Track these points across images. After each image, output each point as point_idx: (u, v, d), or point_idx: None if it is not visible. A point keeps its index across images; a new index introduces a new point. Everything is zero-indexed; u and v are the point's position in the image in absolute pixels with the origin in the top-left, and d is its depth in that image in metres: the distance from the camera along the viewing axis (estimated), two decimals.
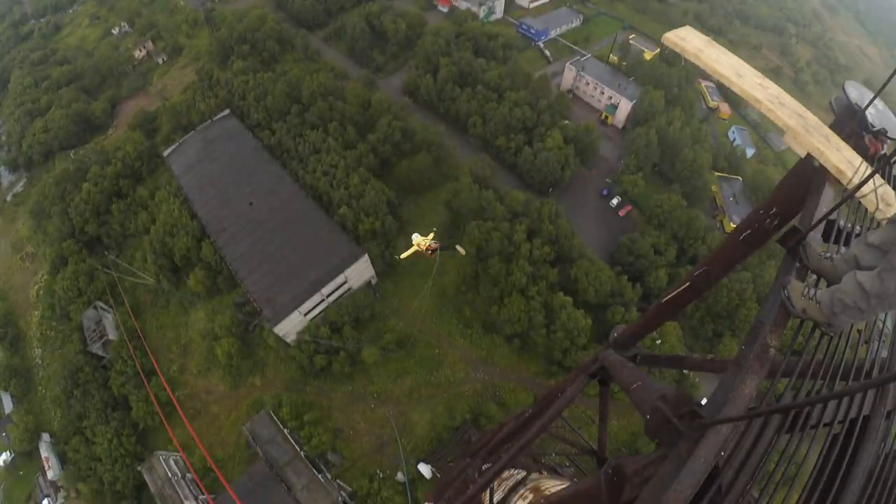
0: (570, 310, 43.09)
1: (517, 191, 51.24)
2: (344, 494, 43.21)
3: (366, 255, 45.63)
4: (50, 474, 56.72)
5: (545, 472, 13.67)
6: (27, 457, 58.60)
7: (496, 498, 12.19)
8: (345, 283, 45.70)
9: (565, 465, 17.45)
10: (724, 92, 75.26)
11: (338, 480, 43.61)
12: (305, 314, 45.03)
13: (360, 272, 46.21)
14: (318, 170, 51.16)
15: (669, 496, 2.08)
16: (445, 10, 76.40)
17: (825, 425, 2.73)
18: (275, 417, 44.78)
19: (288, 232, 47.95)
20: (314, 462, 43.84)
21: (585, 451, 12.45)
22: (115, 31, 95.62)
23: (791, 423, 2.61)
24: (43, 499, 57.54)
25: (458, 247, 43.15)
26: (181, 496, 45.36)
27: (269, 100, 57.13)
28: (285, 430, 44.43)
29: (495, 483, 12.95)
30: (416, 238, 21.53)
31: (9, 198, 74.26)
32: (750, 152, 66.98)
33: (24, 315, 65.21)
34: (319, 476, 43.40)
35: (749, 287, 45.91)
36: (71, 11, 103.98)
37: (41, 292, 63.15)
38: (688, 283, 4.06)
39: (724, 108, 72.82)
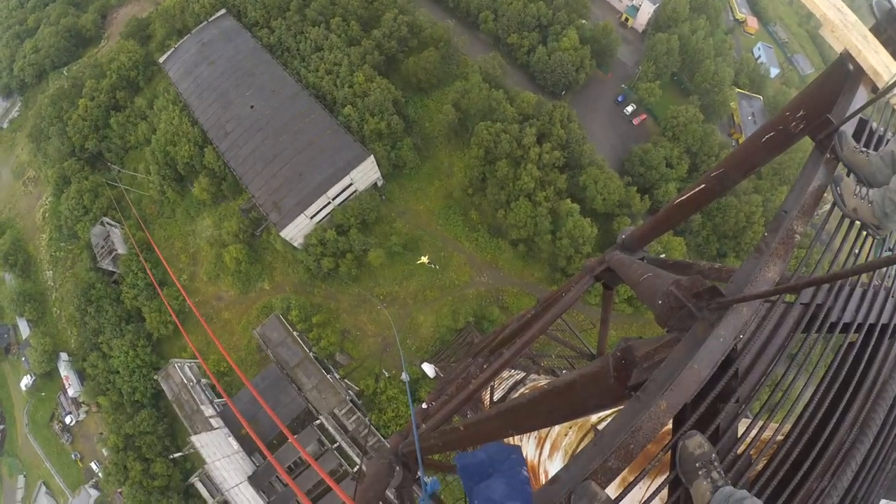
0: (577, 217, 43.14)
1: (528, 92, 49.82)
2: (351, 394, 45.05)
3: (371, 157, 45.26)
4: (70, 392, 59.81)
5: (543, 374, 14.18)
6: (48, 378, 61.73)
7: (496, 396, 12.76)
8: (351, 185, 45.67)
9: (562, 368, 17.98)
10: (753, 5, 71.59)
11: (345, 380, 45.41)
12: (312, 217, 45.40)
13: (365, 174, 46.02)
14: (321, 68, 49.83)
15: (685, 374, 1.96)
16: None
17: (845, 326, 2.59)
18: (284, 321, 46.13)
19: (292, 134, 47.48)
20: (323, 363, 45.53)
21: (584, 354, 12.69)
22: None
23: (810, 320, 2.49)
24: (66, 416, 61.10)
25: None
26: (197, 401, 47.73)
27: None
28: (295, 333, 45.85)
29: (495, 382, 13.45)
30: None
31: (5, 124, 74.41)
32: (774, 72, 64.12)
33: (32, 240, 66.91)
34: (328, 376, 45.22)
35: (758, 210, 45.72)
36: None
37: (47, 215, 64.44)
38: (703, 185, 3.87)
39: (752, 23, 68.93)
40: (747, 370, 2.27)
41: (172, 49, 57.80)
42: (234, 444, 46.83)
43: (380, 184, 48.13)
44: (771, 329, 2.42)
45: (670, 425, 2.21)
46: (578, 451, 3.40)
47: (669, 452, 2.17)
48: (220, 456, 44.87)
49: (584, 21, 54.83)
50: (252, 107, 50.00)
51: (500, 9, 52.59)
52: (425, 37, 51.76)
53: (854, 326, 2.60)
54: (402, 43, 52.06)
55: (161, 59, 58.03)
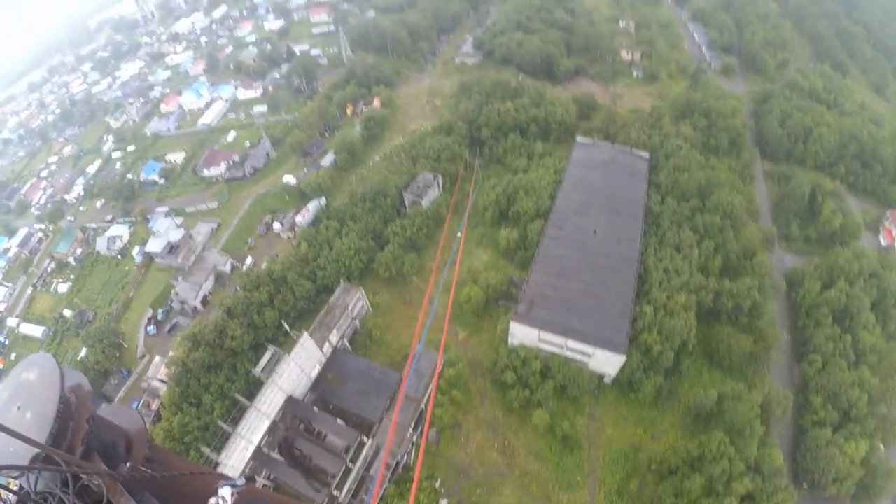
0: None
1: (778, 452, 45.78)
2: (405, 459, 47.14)
3: (623, 359, 46.40)
4: (298, 218, 73.55)
5: None
6: (299, 196, 77.47)
7: None
8: (589, 356, 47.72)
9: None
10: None
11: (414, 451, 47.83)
12: (539, 339, 49.05)
13: (607, 361, 47.41)
14: (664, 262, 53.65)
15: None
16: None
17: None
18: (438, 366, 50.25)
19: (596, 276, 51.83)
20: (421, 420, 48.62)
21: None
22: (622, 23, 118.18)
23: None
24: (278, 222, 74.68)
25: None
26: (338, 321, 55.09)
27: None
28: (433, 383, 49.79)
29: None
30: None
31: None
32: None
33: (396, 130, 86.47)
34: (413, 435, 48.07)
35: None
36: None
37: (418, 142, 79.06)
38: None
39: None
40: None
41: (593, 142, 68.73)
42: (314, 373, 53.41)
43: (606, 380, 49.04)
44: None
45: None
46: None
47: None
48: (301, 361, 51.34)
49: (881, 447, 48.21)
50: (595, 232, 56.13)
51: (830, 367, 49.75)
52: (758, 325, 51.81)
53: None
54: (737, 310, 52.57)
55: (579, 139, 69.61)
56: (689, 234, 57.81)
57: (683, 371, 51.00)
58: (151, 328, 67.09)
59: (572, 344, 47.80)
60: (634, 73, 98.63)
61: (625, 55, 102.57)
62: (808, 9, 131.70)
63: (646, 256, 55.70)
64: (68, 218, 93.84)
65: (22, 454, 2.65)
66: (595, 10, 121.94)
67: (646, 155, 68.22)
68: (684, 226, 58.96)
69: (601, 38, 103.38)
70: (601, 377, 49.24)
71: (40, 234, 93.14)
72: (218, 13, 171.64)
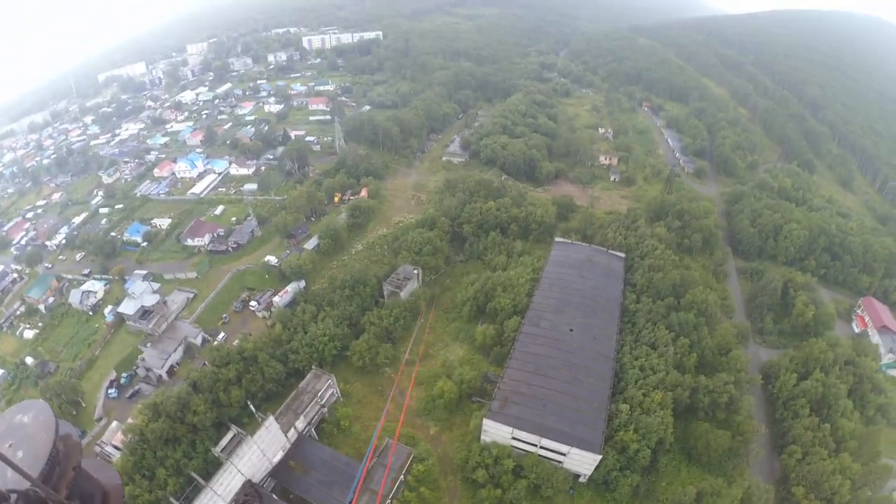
0: None
1: None
2: None
3: (599, 458, 46.54)
4: (276, 299, 74.87)
5: None
6: (280, 276, 79.08)
7: None
8: (564, 455, 47.69)
9: None
10: None
11: None
12: (512, 437, 48.92)
13: (582, 461, 47.43)
14: (641, 359, 55.36)
15: None
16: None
17: None
18: (409, 460, 49.34)
19: (571, 374, 53.10)
20: None
21: None
22: (601, 130, 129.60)
23: None
24: (256, 301, 75.08)
25: None
26: (304, 408, 54.47)
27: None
28: (402, 477, 48.51)
29: None
30: None
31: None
32: None
33: (380, 220, 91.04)
34: None
35: None
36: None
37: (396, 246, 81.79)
38: None
39: None
40: None
41: (571, 242, 73.19)
42: (276, 459, 51.62)
43: (581, 479, 48.68)
44: None
45: None
46: None
47: None
48: (264, 445, 49.62)
49: None
50: (571, 330, 58.21)
51: (811, 456, 50.65)
52: (736, 420, 52.27)
53: None
54: (714, 406, 53.65)
55: (557, 238, 74.01)
56: (665, 331, 60.41)
57: (661, 469, 51.15)
58: (113, 391, 65.64)
59: (546, 443, 48.05)
60: (612, 177, 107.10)
61: (603, 160, 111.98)
62: (776, 112, 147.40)
63: (622, 354, 57.71)
64: (46, 264, 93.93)
65: (9, 487, 2.82)
66: (576, 118, 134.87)
67: (622, 255, 72.76)
68: (660, 324, 61.73)
69: (581, 143, 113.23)
70: (576, 476, 48.97)
71: (15, 275, 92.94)
72: (222, 89, 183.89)
